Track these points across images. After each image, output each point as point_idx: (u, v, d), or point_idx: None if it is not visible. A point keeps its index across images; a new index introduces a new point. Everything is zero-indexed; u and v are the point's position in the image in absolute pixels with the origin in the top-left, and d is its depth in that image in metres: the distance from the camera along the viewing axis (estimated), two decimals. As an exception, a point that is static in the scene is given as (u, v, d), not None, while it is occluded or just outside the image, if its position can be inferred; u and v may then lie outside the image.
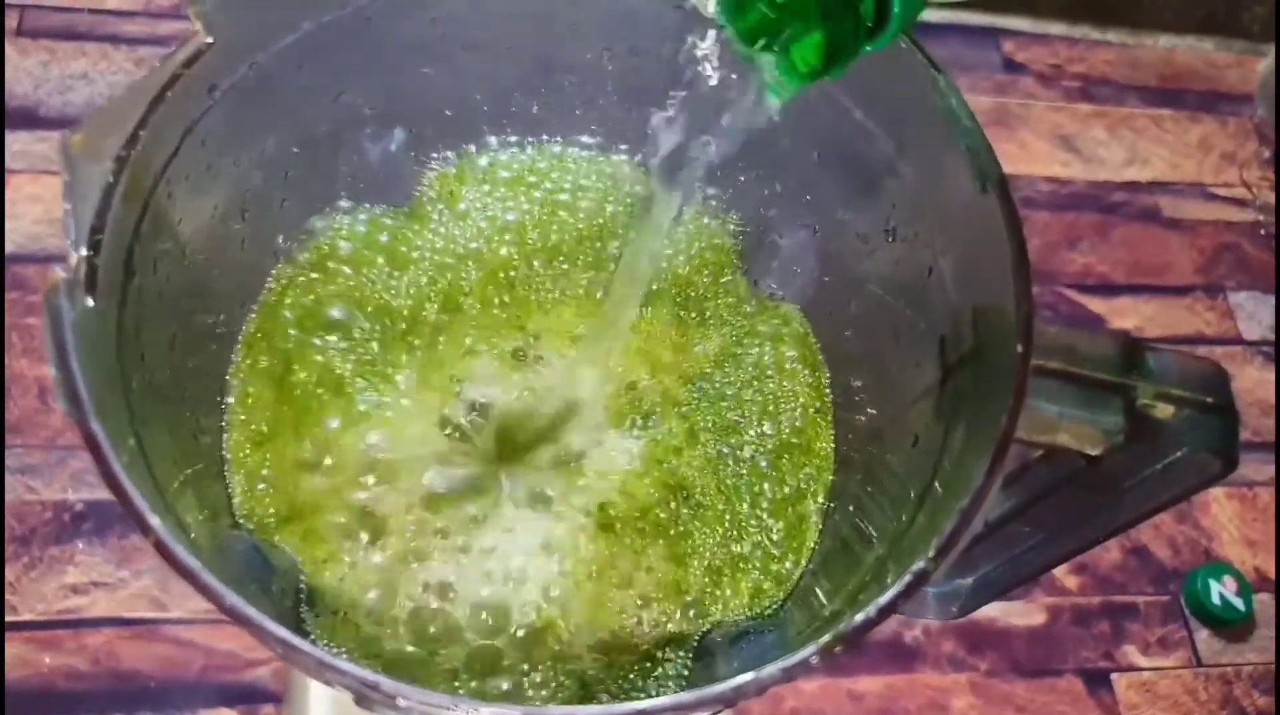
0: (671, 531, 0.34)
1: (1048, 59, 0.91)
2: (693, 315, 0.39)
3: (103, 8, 0.76)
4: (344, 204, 0.38)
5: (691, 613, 0.33)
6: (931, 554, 0.26)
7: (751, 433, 0.36)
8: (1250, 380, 0.81)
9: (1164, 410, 0.31)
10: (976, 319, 0.31)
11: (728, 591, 0.33)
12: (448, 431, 0.34)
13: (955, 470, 0.29)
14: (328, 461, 0.33)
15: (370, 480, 0.33)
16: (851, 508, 0.35)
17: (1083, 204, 0.86)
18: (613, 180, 0.39)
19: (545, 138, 0.41)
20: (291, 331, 0.35)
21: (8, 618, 0.60)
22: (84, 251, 0.26)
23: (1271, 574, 0.74)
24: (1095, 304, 0.82)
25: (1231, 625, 0.71)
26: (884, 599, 0.25)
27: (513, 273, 0.38)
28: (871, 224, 0.36)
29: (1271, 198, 0.88)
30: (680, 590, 0.33)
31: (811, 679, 0.63)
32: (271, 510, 0.32)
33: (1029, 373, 0.28)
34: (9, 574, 0.61)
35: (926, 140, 0.32)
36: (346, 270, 0.37)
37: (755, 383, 0.37)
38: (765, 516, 0.35)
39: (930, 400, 0.33)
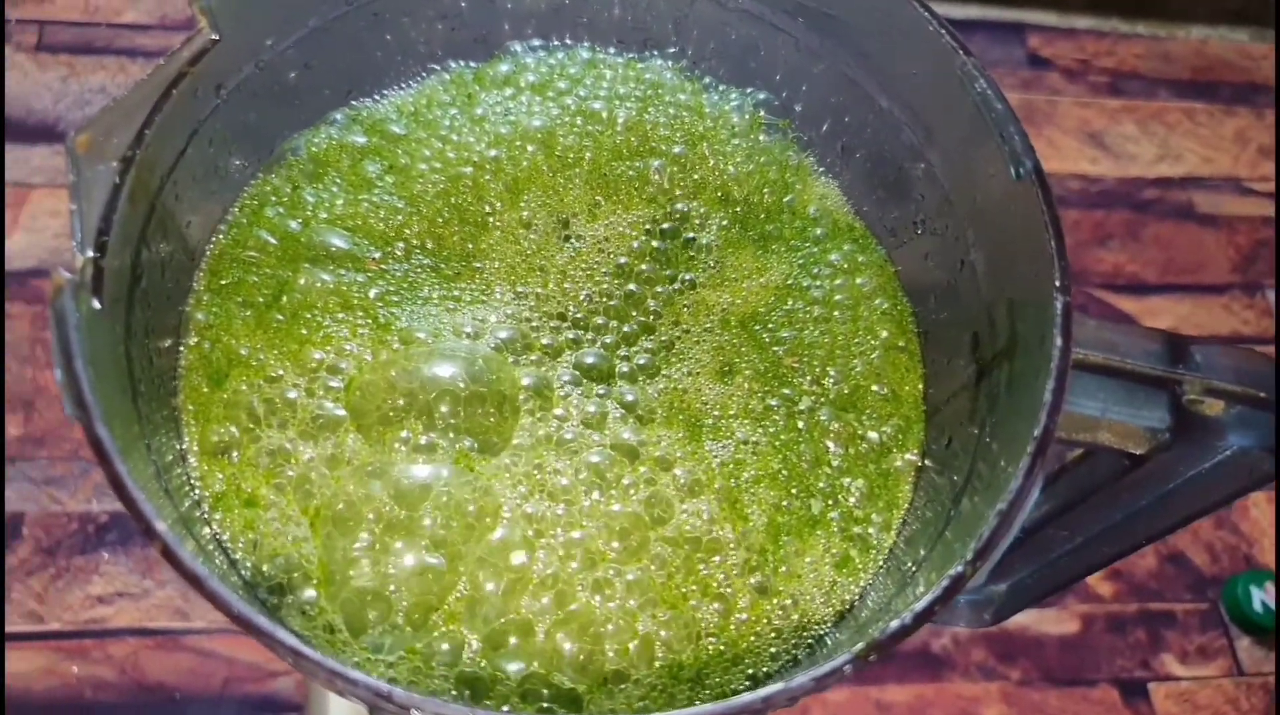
0: (717, 493, 0.30)
1: (1074, 53, 0.89)
2: (750, 233, 0.33)
3: (119, 22, 0.76)
4: (338, 118, 0.34)
5: (755, 579, 0.29)
6: (969, 558, 0.25)
7: (806, 381, 0.32)
8: (1291, 379, 0.78)
9: (1213, 406, 0.29)
10: (1012, 313, 0.30)
11: (793, 556, 0.29)
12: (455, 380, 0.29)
13: (991, 471, 0.28)
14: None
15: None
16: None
17: (1113, 202, 0.84)
18: (654, 89, 0.35)
19: (570, 41, 0.36)
20: (273, 256, 0.31)
21: (36, 628, 0.60)
22: (90, 253, 0.25)
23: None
24: (1126, 304, 0.80)
25: (1274, 633, 0.69)
26: (919, 605, 0.24)
27: (539, 194, 0.33)
28: (899, 218, 0.35)
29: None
30: (748, 566, 0.29)
31: (838, 688, 0.62)
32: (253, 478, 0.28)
33: (1069, 368, 0.27)
34: (36, 585, 0.61)
35: (956, 128, 0.31)
36: (339, 182, 0.32)
37: (823, 323, 0.32)
38: (837, 475, 0.31)
39: (964, 398, 0.31)
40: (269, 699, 0.60)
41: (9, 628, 0.60)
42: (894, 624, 0.24)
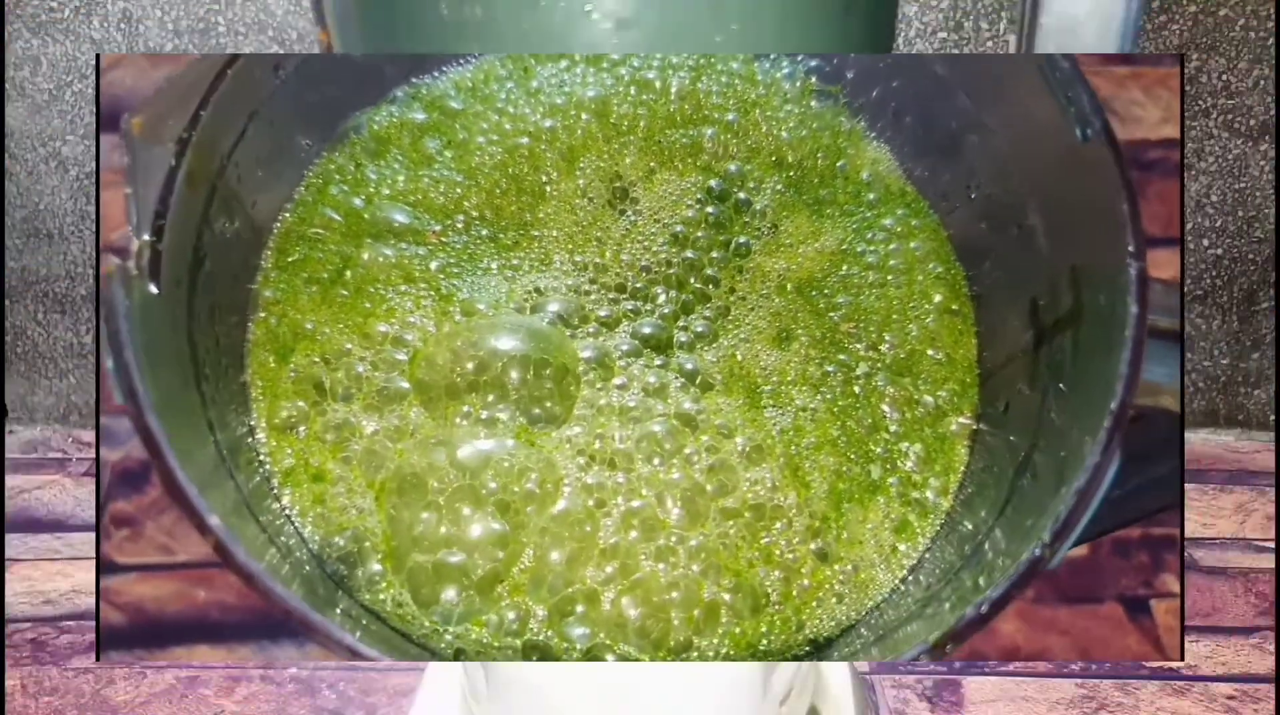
0: (776, 463, 0.26)
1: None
2: (804, 197, 0.29)
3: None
4: (399, 95, 0.30)
5: (816, 545, 0.25)
6: (1047, 540, 0.20)
7: (862, 346, 0.27)
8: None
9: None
10: (1076, 278, 0.24)
11: (854, 522, 0.25)
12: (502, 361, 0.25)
13: (1060, 439, 0.23)
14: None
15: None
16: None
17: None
18: (706, 58, 0.30)
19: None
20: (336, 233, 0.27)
21: (167, 559, 0.59)
22: (146, 237, 0.21)
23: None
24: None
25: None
26: (995, 592, 0.20)
27: (594, 161, 0.29)
28: (951, 181, 0.29)
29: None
30: (811, 531, 0.25)
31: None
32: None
33: (1146, 338, 0.22)
34: (166, 522, 0.60)
35: (1015, 89, 0.26)
36: (401, 158, 0.28)
37: (878, 287, 0.28)
38: (895, 440, 0.26)
39: (1021, 363, 0.26)
40: (369, 619, 0.58)
41: (145, 560, 0.59)
42: (969, 611, 0.19)
